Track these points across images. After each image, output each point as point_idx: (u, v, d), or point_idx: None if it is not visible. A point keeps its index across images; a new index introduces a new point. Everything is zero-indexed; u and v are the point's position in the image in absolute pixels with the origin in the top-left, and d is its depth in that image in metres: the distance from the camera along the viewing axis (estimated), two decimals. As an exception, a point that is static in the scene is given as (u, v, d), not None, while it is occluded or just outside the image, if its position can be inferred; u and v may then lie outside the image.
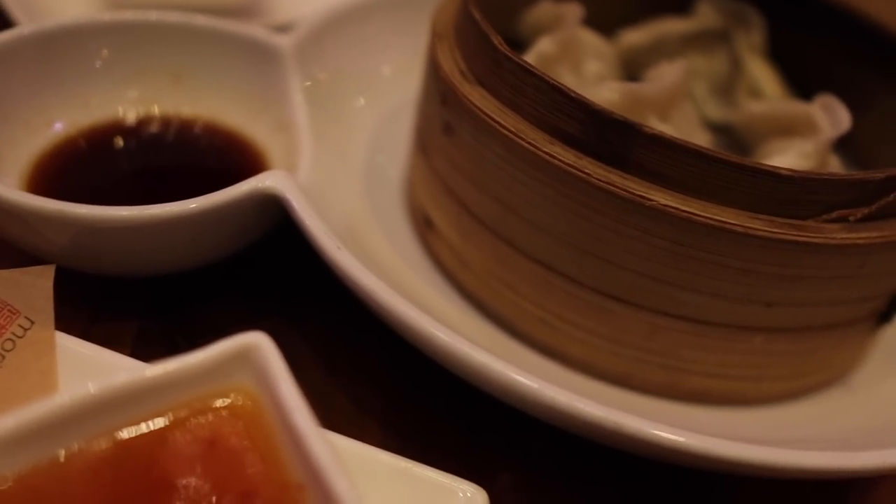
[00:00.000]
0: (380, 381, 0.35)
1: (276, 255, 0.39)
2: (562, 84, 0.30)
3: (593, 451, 0.33)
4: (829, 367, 0.35)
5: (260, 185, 0.32)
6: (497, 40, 0.31)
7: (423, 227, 0.38)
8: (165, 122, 0.41)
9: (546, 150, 0.30)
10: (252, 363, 0.26)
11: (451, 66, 0.34)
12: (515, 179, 0.31)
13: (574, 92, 0.29)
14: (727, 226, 0.28)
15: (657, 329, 0.32)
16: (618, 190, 0.29)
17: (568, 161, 0.30)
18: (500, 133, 0.31)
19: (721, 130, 0.42)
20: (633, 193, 0.29)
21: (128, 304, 0.36)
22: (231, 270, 0.37)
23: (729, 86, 0.44)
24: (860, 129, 0.41)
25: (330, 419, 0.27)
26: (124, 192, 0.39)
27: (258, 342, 0.26)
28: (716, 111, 0.43)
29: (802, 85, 0.43)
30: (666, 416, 0.33)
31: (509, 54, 0.31)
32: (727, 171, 0.28)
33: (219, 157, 0.41)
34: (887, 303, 0.33)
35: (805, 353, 0.34)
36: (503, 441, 0.33)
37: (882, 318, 0.34)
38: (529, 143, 0.30)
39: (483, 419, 0.34)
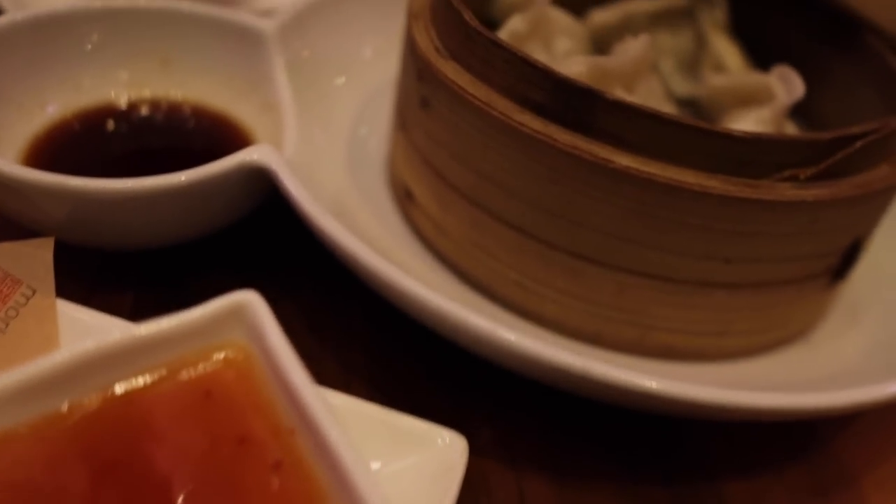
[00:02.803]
0: (366, 345, 0.37)
1: (267, 230, 0.41)
2: (528, 55, 0.31)
3: (570, 408, 0.35)
4: (789, 323, 0.38)
5: (247, 158, 0.34)
6: (468, 16, 0.33)
7: (405, 199, 0.40)
8: (155, 104, 0.43)
9: (516, 118, 0.32)
10: (244, 320, 0.28)
11: (427, 43, 0.36)
12: (488, 148, 0.33)
13: (540, 62, 0.31)
14: (685, 185, 0.30)
15: (625, 287, 0.34)
16: (583, 154, 0.31)
17: (536, 128, 0.32)
18: (473, 104, 0.33)
19: (687, 104, 0.44)
20: (597, 157, 0.31)
21: (124, 277, 0.38)
22: (223, 245, 0.39)
23: (695, 61, 0.46)
24: (819, 102, 0.43)
25: (319, 379, 0.28)
26: (116, 171, 0.40)
27: (249, 299, 0.28)
28: (682, 86, 0.45)
29: (764, 60, 0.45)
30: (634, 370, 0.35)
31: (479, 29, 0.33)
32: (684, 133, 0.30)
33: (208, 137, 0.43)
34: (841, 259, 0.36)
35: (765, 309, 0.36)
36: (484, 400, 0.35)
37: (837, 275, 0.36)
38: (500, 112, 0.32)
39: (464, 380, 0.36)
